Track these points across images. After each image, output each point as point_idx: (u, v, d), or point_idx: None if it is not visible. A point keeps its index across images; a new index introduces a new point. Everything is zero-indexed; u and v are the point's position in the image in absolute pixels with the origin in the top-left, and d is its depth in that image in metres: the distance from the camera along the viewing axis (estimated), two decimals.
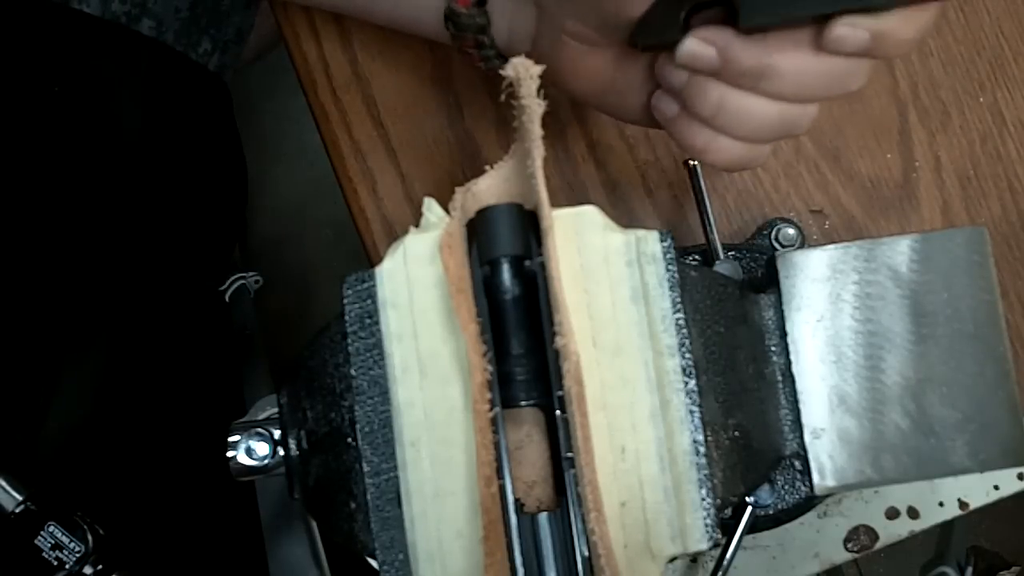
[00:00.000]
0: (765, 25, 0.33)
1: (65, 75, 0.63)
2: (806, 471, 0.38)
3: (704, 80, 0.35)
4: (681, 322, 0.32)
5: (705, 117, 0.36)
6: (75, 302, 0.63)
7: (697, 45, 0.35)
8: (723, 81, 0.35)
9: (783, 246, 0.49)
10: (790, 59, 0.34)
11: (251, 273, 0.97)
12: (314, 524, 0.69)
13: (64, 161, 0.63)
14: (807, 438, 0.38)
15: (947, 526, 1.07)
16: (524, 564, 0.29)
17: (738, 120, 0.35)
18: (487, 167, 0.34)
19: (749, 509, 0.43)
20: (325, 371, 0.34)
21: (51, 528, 0.53)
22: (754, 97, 0.35)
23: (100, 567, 0.54)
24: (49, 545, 0.53)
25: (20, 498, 0.54)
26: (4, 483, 0.54)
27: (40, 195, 0.61)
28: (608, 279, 0.33)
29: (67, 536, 0.53)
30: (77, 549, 0.53)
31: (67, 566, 0.53)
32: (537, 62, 0.32)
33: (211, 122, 0.76)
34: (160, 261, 0.70)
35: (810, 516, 0.51)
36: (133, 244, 0.67)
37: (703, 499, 0.32)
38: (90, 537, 0.53)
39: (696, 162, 0.46)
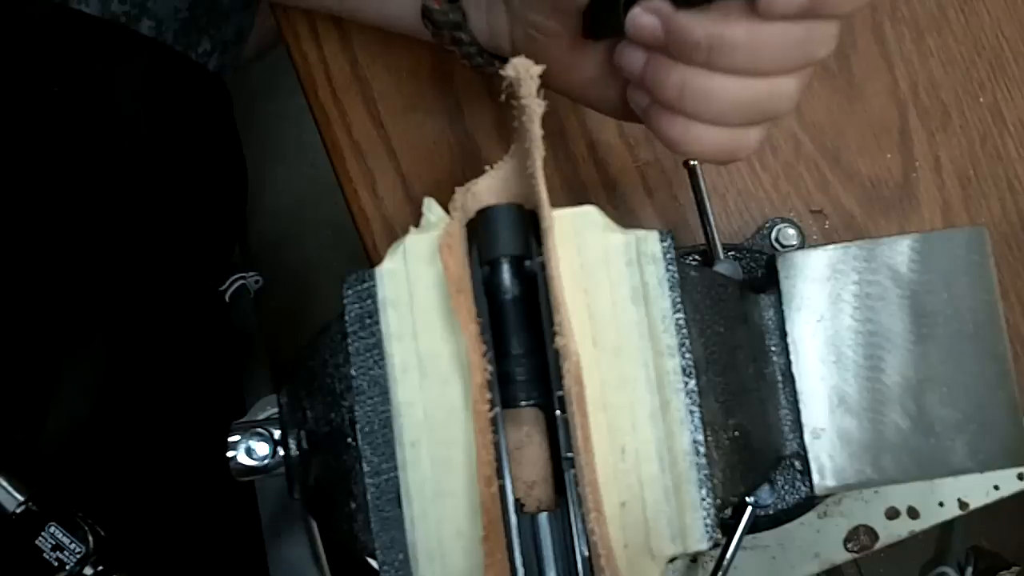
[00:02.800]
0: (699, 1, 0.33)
1: (65, 75, 0.63)
2: (806, 471, 0.38)
3: (663, 62, 0.35)
4: (681, 322, 0.32)
5: (671, 101, 0.35)
6: (75, 302, 0.63)
7: (641, 15, 0.34)
8: (678, 61, 0.34)
9: (783, 246, 0.49)
10: (736, 28, 0.32)
11: (251, 273, 0.97)
12: (314, 524, 0.69)
13: (64, 161, 0.63)
14: (807, 438, 0.38)
15: (947, 526, 1.07)
16: (524, 564, 0.29)
17: (704, 102, 0.34)
18: (487, 167, 0.34)
19: (749, 509, 0.43)
20: (325, 371, 0.34)
21: (52, 529, 0.53)
22: (715, 75, 0.34)
23: (101, 568, 0.54)
24: (50, 546, 0.53)
25: (21, 499, 0.54)
26: (5, 483, 0.54)
27: (40, 195, 0.61)
28: (608, 279, 0.33)
29: (68, 537, 0.53)
30: (78, 550, 0.53)
31: (68, 567, 0.53)
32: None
33: (211, 122, 0.76)
34: (160, 261, 0.70)
35: (810, 516, 0.51)
36: (133, 244, 0.67)
37: (703, 499, 0.32)
38: (91, 538, 0.53)
39: (696, 162, 0.46)
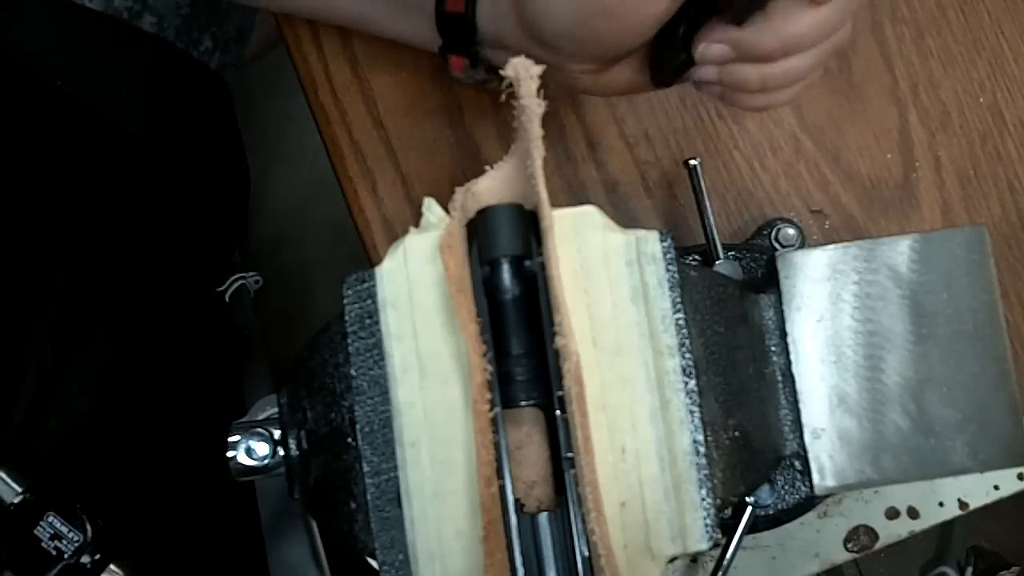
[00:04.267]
0: (756, 9, 0.33)
1: (66, 70, 0.63)
2: (806, 471, 0.38)
3: (739, 67, 0.36)
4: (681, 322, 0.32)
5: (754, 91, 0.37)
6: (75, 299, 0.63)
7: (709, 48, 0.35)
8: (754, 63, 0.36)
9: (783, 246, 0.49)
10: (803, 22, 0.34)
11: (251, 273, 0.97)
12: (314, 524, 0.69)
13: (64, 157, 0.62)
14: (807, 438, 0.38)
15: (947, 526, 1.08)
16: (524, 564, 0.29)
17: (783, 80, 0.37)
18: (487, 167, 0.34)
19: (749, 509, 0.43)
20: (325, 371, 0.34)
21: (50, 519, 0.53)
22: (790, 59, 0.36)
23: (98, 556, 0.54)
24: (48, 535, 0.53)
25: (20, 489, 0.54)
26: (4, 475, 0.54)
27: (40, 191, 0.61)
28: (608, 279, 0.33)
29: (66, 526, 0.53)
30: (76, 539, 0.53)
31: (66, 555, 0.53)
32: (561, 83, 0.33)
33: (213, 119, 0.76)
34: (160, 261, 0.70)
35: (810, 516, 0.51)
36: (133, 243, 0.67)
37: (703, 499, 0.32)
38: (89, 527, 0.53)
39: (696, 162, 0.46)
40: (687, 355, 0.32)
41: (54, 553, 0.53)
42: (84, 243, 0.63)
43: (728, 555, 0.43)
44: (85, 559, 0.53)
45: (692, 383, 0.32)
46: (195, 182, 0.74)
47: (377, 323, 0.32)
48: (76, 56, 0.63)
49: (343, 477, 0.33)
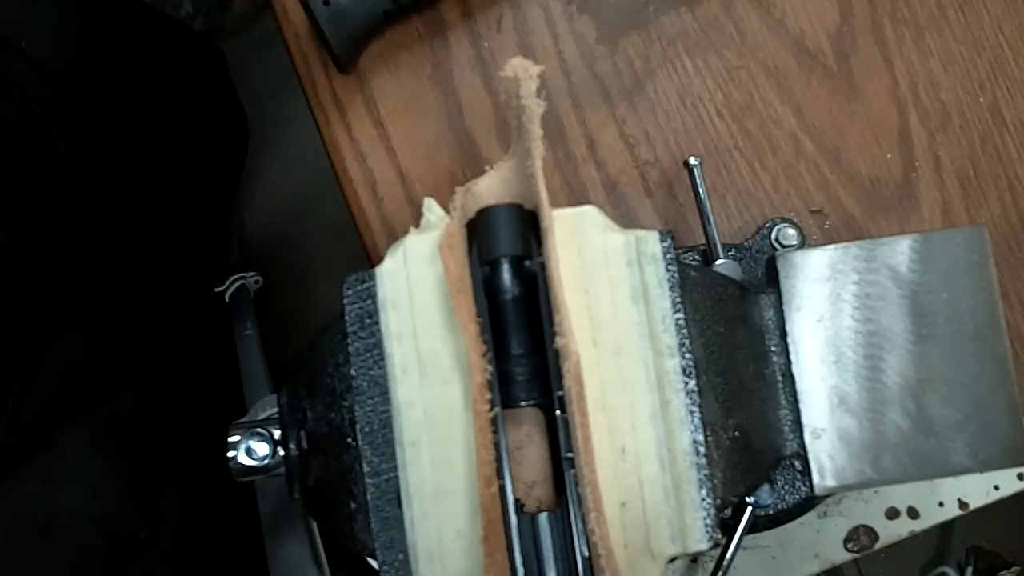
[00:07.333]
0: None
1: (32, 31, 0.60)
2: (806, 471, 0.38)
3: None
4: (681, 322, 0.32)
5: None
6: (67, 298, 0.62)
7: None
8: None
9: (783, 246, 0.49)
10: None
11: (251, 273, 0.97)
12: (314, 524, 0.69)
13: (48, 134, 0.60)
14: (807, 438, 0.38)
15: (947, 526, 1.08)
16: (524, 564, 0.29)
17: None
18: (487, 167, 0.34)
19: (749, 509, 0.43)
20: (325, 371, 0.34)
21: None
22: None
23: None
24: None
25: None
26: None
27: (25, 177, 0.58)
28: (608, 279, 0.33)
29: None
30: None
31: None
32: None
33: (197, 78, 0.74)
34: (160, 257, 0.70)
35: (810, 516, 0.51)
36: (132, 241, 0.67)
37: (703, 499, 0.32)
38: None
39: (696, 162, 0.46)
40: (687, 355, 0.32)
41: None
42: (81, 240, 0.62)
43: (728, 555, 0.43)
44: None
45: (692, 383, 0.32)
46: (186, 141, 0.71)
47: (377, 323, 0.32)
48: (43, 17, 0.61)
49: (343, 477, 0.33)
